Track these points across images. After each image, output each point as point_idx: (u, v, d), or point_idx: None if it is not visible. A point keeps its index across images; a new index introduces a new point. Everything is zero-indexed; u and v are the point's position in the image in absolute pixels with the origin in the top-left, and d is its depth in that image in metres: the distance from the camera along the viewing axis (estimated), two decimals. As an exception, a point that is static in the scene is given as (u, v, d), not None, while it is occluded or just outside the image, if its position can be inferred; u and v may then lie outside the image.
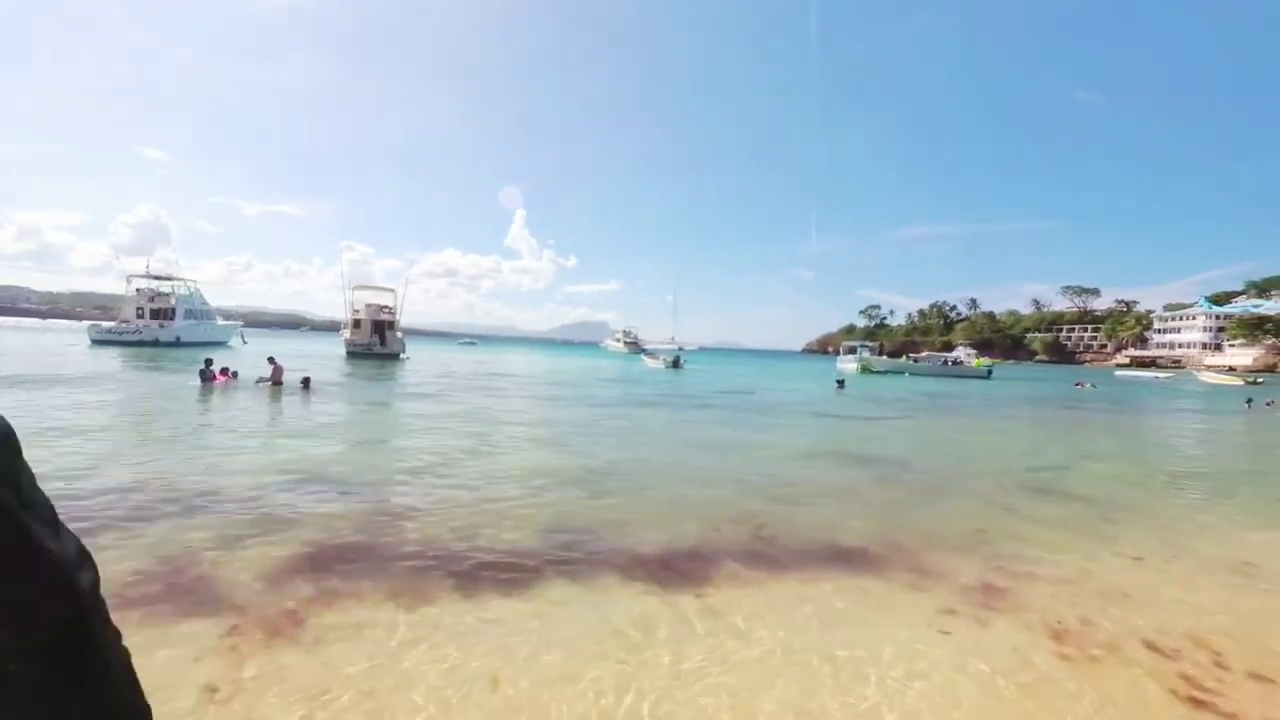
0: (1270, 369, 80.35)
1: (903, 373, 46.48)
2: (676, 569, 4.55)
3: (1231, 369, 66.40)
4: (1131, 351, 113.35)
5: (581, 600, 3.94)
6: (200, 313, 44.17)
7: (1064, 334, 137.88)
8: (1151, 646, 3.55)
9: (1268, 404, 27.58)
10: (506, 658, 3.12)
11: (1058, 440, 13.77)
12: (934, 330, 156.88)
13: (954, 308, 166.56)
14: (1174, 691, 3.07)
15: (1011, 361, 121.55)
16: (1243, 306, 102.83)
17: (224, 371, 16.96)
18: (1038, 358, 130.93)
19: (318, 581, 3.93)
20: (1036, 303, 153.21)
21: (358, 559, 4.40)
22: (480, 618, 3.58)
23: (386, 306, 39.35)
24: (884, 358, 52.11)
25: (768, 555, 4.93)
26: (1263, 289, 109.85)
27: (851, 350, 54.87)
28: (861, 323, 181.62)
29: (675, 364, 40.35)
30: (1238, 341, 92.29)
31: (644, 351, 63.04)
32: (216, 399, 13.49)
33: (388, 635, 3.26)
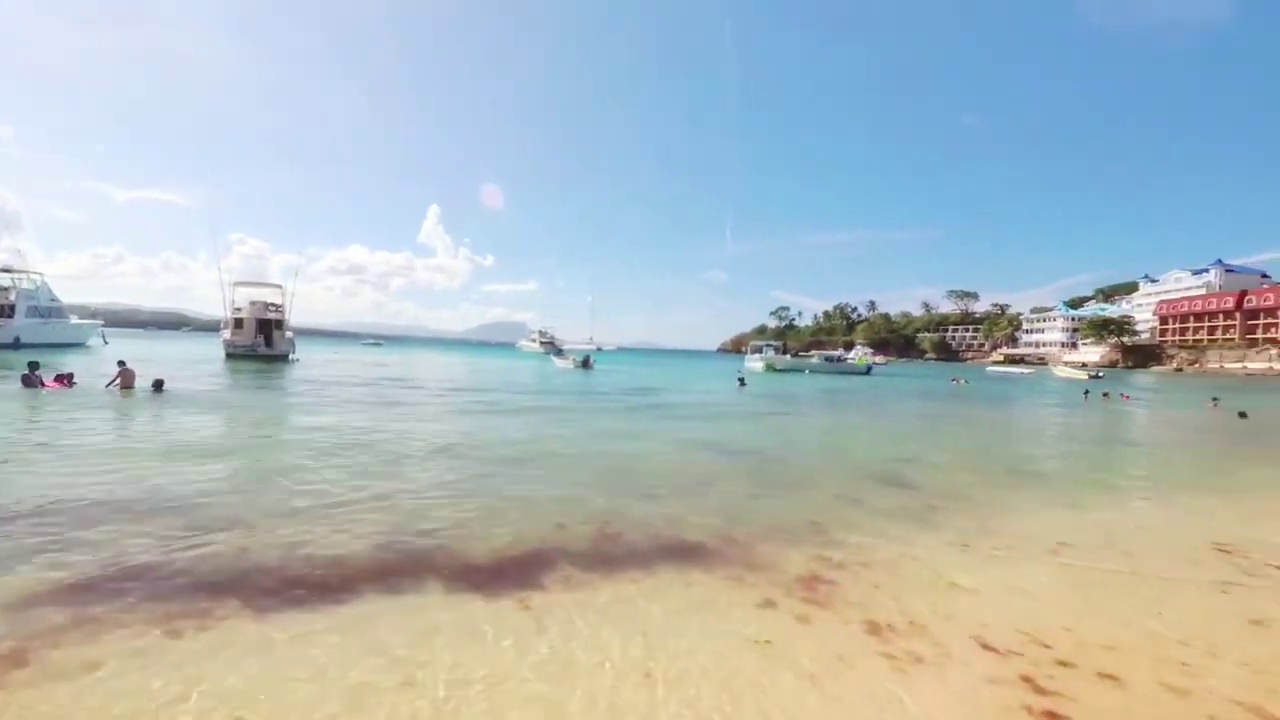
0: (1112, 364, 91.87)
1: (803, 370, 49.02)
2: (507, 574, 4.45)
3: (1084, 365, 75.10)
4: (1005, 350, 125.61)
5: (390, 613, 3.75)
6: (48, 310, 39.08)
7: (949, 334, 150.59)
8: (985, 645, 3.43)
9: (1104, 395, 31.41)
10: (279, 682, 2.89)
11: (919, 432, 14.94)
12: (838, 330, 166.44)
13: (855, 309, 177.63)
14: (1028, 708, 2.81)
15: (904, 360, 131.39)
16: (1093, 310, 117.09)
17: (59, 378, 15.01)
18: (927, 356, 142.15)
19: (77, 610, 3.49)
20: (926, 305, 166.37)
21: (139, 581, 3.96)
22: (264, 639, 3.31)
23: (273, 304, 36.51)
24: (787, 356, 54.79)
25: (607, 554, 4.95)
26: (1108, 295, 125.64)
27: (758, 350, 57.86)
28: (772, 323, 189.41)
29: (585, 364, 40.21)
30: (1088, 340, 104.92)
31: (555, 352, 62.44)
32: (42, 408, 11.89)
33: (135, 668, 2.92)
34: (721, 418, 16.27)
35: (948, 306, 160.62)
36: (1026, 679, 3.06)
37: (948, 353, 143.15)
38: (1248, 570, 4.94)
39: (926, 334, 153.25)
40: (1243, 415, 20.02)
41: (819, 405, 21.90)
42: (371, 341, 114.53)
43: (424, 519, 5.71)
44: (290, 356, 34.38)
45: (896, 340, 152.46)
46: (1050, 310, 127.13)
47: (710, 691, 2.96)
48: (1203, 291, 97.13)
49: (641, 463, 8.95)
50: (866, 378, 45.39)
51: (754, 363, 52.04)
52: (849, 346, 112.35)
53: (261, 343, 34.05)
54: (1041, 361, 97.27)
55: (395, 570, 4.43)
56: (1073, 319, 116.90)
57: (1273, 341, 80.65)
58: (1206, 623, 3.91)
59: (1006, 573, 4.71)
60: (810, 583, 4.37)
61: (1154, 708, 2.86)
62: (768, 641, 3.48)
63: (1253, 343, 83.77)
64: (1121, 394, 32.79)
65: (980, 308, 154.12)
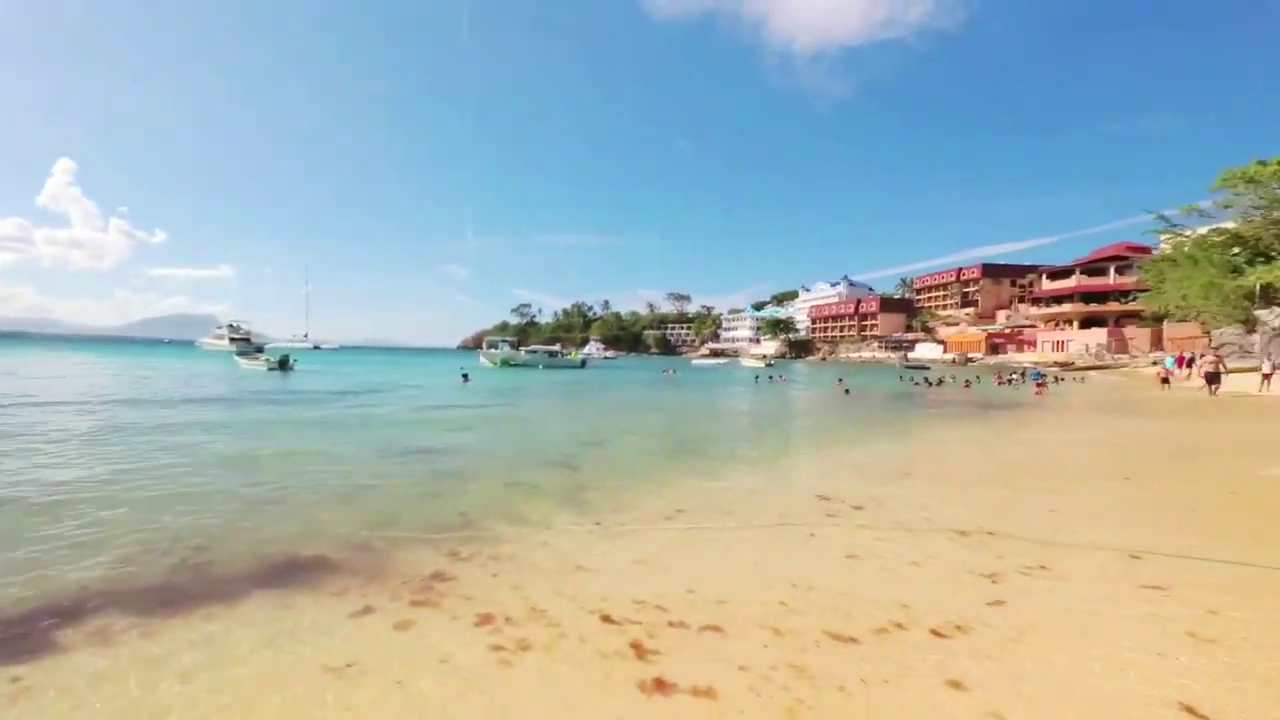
0: (782, 356, 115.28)
1: (536, 365, 50.07)
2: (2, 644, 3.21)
3: (764, 357, 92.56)
4: (711, 345, 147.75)
5: None
6: None
7: (669, 331, 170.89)
8: (606, 618, 3.43)
9: (770, 379, 38.93)
10: None
11: (620, 418, 16.27)
12: (575, 328, 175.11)
13: (591, 308, 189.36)
14: (635, 676, 2.84)
15: (634, 354, 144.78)
16: (770, 312, 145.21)
17: None
18: (652, 351, 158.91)
19: None
20: (650, 305, 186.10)
21: None
22: None
23: None
24: (521, 352, 55.29)
25: (183, 591, 3.96)
26: (780, 300, 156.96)
27: (493, 346, 57.39)
28: (514, 320, 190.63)
29: (284, 365, 34.22)
30: (767, 337, 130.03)
31: (245, 351, 52.20)
32: None
33: None
34: (427, 417, 15.30)
35: (668, 307, 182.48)
36: (635, 645, 3.13)
37: (668, 348, 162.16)
38: (837, 513, 5.90)
39: (651, 331, 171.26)
40: (847, 392, 26.84)
41: (538, 397, 22.37)
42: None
43: None
44: None
45: (627, 337, 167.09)
46: (742, 312, 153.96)
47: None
48: (836, 299, 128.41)
49: (295, 476, 7.63)
50: (583, 371, 48.87)
51: (488, 359, 51.61)
52: (584, 343, 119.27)
53: None
54: (736, 354, 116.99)
55: None
56: (757, 319, 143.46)
57: (875, 337, 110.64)
58: (808, 563, 4.44)
59: (631, 545, 4.87)
60: (429, 583, 4.05)
61: (747, 649, 3.07)
62: (348, 665, 3.01)
63: (864, 338, 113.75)
64: (781, 377, 41.11)
65: (693, 308, 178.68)
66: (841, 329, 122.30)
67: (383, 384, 26.92)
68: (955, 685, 2.73)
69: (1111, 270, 70.82)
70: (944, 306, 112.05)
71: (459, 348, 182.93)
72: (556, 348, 61.30)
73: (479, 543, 4.89)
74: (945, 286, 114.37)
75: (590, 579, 4.10)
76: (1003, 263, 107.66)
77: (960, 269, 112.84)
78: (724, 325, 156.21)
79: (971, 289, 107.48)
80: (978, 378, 39.17)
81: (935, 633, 3.28)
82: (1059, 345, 71.50)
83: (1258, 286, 38.34)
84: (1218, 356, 26.41)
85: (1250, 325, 37.82)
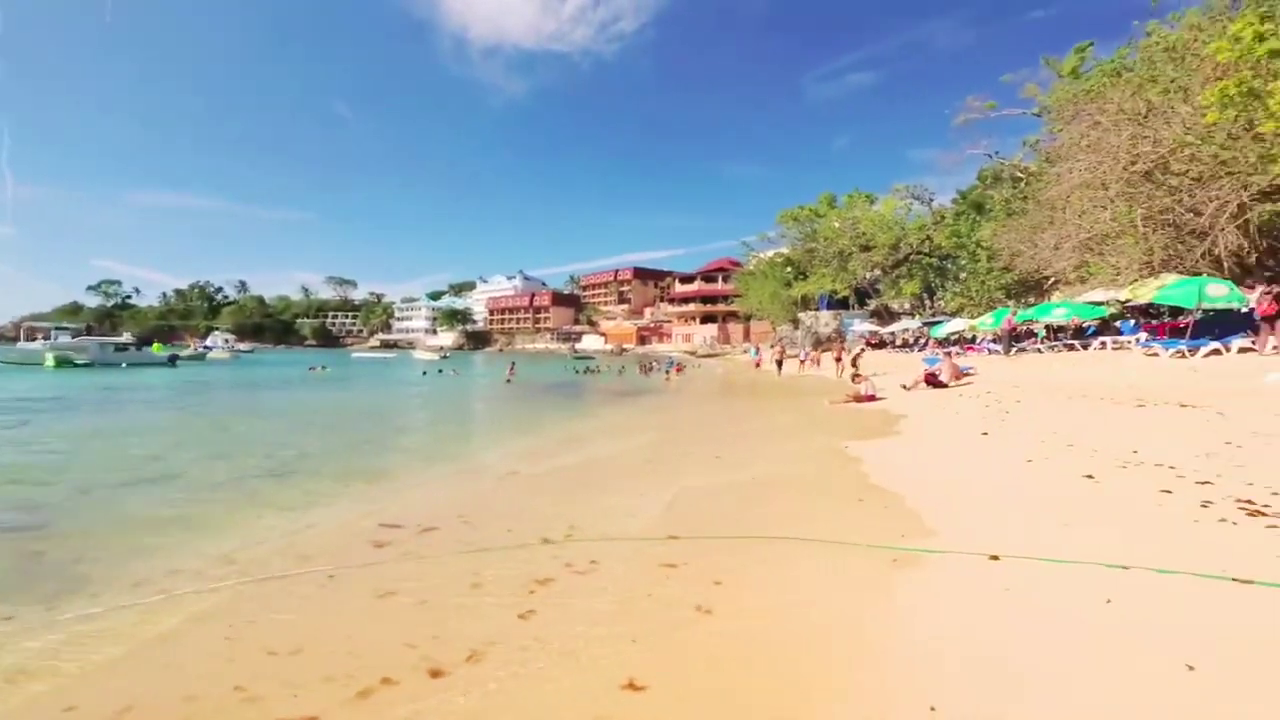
0: (460, 347, 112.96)
1: (120, 364, 37.43)
2: None
3: (441, 348, 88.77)
4: (381, 336, 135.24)
5: None
6: None
7: (330, 320, 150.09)
8: None
9: (440, 372, 37.28)
10: None
11: (211, 434, 12.96)
12: (197, 313, 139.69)
13: (220, 289, 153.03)
14: None
15: (283, 346, 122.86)
16: (446, 302, 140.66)
17: None
18: (307, 342, 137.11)
19: None
20: (305, 290, 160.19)
21: None
22: None
23: None
24: (94, 345, 40.38)
25: None
26: (458, 290, 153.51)
27: (43, 335, 40.98)
28: (95, 301, 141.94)
29: None
30: (444, 327, 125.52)
31: None
32: None
33: None
34: None
35: (329, 293, 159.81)
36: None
37: (329, 339, 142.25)
38: (391, 542, 4.98)
39: (306, 320, 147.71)
40: (509, 382, 27.34)
41: (89, 411, 16.40)
42: None
43: None
44: None
45: (274, 326, 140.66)
46: (417, 301, 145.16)
47: None
48: (512, 292, 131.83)
49: None
50: (178, 370, 38.18)
51: (19, 355, 36.60)
52: (209, 333, 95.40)
53: None
54: (411, 345, 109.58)
55: None
56: (433, 309, 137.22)
57: (549, 329, 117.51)
58: (310, 618, 3.66)
59: (38, 643, 3.42)
60: None
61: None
62: None
63: (539, 329, 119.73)
64: (454, 370, 39.91)
65: (359, 295, 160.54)
66: (518, 321, 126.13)
67: None
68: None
69: (720, 279, 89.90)
70: (605, 302, 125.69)
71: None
72: (124, 339, 45.94)
73: None
74: (606, 285, 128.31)
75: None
76: (650, 267, 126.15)
77: (617, 271, 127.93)
78: (397, 315, 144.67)
79: (626, 288, 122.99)
80: (624, 367, 44.80)
81: (434, 673, 2.93)
82: (687, 337, 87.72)
83: (799, 296, 53.73)
84: (783, 348, 35.76)
85: (796, 324, 52.71)
